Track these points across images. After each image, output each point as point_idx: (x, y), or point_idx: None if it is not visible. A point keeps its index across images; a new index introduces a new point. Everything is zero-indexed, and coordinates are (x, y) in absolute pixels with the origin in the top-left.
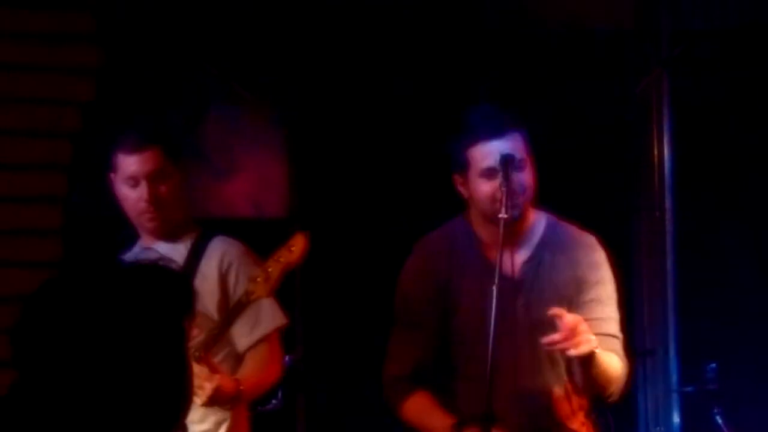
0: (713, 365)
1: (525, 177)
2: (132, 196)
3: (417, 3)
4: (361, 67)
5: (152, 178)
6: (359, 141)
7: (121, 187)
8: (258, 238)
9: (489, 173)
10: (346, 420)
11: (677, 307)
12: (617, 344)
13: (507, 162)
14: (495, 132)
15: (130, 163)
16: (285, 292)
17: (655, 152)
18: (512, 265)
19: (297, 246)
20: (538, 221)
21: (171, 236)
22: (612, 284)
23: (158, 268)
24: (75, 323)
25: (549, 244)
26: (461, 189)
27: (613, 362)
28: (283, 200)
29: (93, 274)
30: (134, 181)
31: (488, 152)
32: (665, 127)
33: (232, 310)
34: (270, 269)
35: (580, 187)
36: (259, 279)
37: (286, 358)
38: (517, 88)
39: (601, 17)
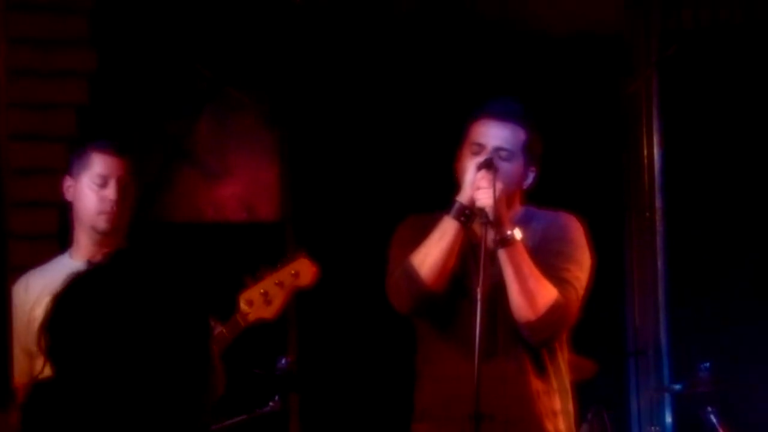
0: (707, 364)
1: (507, 168)
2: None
3: (411, 6)
4: (355, 69)
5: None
6: (352, 143)
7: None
8: (250, 241)
9: (477, 150)
10: (339, 421)
11: (668, 307)
12: (564, 286)
13: (489, 165)
14: (497, 115)
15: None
16: None
17: (645, 152)
18: (485, 241)
19: (306, 275)
20: (519, 211)
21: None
22: (577, 248)
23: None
24: (105, 317)
25: (522, 221)
26: (456, 172)
27: (541, 278)
28: (276, 203)
29: (120, 268)
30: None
31: (484, 130)
32: (655, 127)
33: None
34: (270, 291)
35: (570, 188)
36: (255, 301)
37: (281, 360)
38: (508, 88)
39: (590, 18)
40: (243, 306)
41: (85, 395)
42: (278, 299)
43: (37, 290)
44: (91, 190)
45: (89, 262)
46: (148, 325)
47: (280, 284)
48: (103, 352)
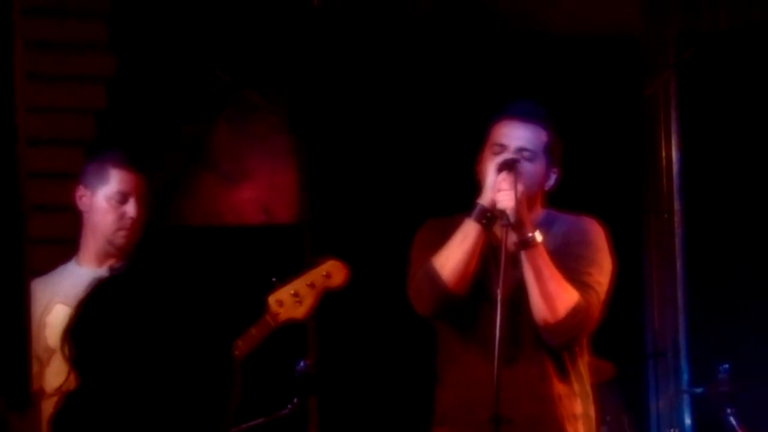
0: (726, 366)
1: (529, 168)
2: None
3: (427, 10)
4: (373, 71)
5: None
6: (370, 145)
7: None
8: (268, 244)
9: (499, 150)
10: (359, 423)
11: (687, 309)
12: (585, 289)
13: (509, 165)
14: (519, 116)
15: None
16: None
17: (663, 154)
18: (506, 243)
19: (338, 276)
20: (540, 214)
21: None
22: (598, 251)
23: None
24: (129, 324)
25: (544, 224)
26: (477, 173)
27: (562, 281)
28: (294, 206)
29: (143, 274)
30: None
31: (506, 131)
32: (673, 130)
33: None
34: (300, 292)
35: (589, 191)
36: (285, 301)
37: (301, 363)
38: (527, 91)
39: (608, 20)
40: (273, 306)
41: (109, 401)
42: (309, 299)
43: (46, 297)
44: (110, 206)
45: (111, 269)
46: (171, 331)
47: (312, 285)
48: (127, 358)
